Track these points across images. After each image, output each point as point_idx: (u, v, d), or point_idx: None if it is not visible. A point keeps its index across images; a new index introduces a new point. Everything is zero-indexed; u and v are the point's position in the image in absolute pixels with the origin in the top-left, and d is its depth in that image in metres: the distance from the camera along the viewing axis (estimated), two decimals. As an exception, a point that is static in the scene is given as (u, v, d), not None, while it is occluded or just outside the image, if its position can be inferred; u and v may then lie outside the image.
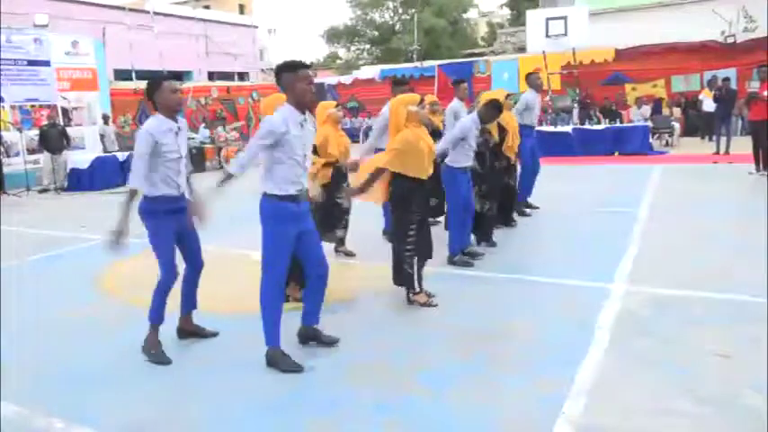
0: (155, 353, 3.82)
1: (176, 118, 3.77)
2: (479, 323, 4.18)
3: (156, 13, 22.22)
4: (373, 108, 21.05)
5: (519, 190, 7.22)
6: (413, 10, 38.15)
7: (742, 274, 4.88)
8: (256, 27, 30.20)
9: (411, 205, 4.40)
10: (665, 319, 4.05)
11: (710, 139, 14.97)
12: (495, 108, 5.49)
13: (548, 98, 16.94)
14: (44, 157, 13.31)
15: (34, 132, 13.62)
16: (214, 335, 4.17)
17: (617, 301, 4.43)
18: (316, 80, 25.45)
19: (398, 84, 6.23)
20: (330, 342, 3.88)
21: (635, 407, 2.95)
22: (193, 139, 16.52)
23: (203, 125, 17.51)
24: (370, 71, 23.73)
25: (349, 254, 5.96)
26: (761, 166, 9.82)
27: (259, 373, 3.57)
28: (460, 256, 5.50)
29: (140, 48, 20.39)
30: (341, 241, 5.96)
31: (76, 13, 19.76)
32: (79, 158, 13.52)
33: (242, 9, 36.41)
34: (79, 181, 13.17)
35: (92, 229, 8.30)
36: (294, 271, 4.74)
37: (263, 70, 32.07)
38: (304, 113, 3.48)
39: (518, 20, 36.96)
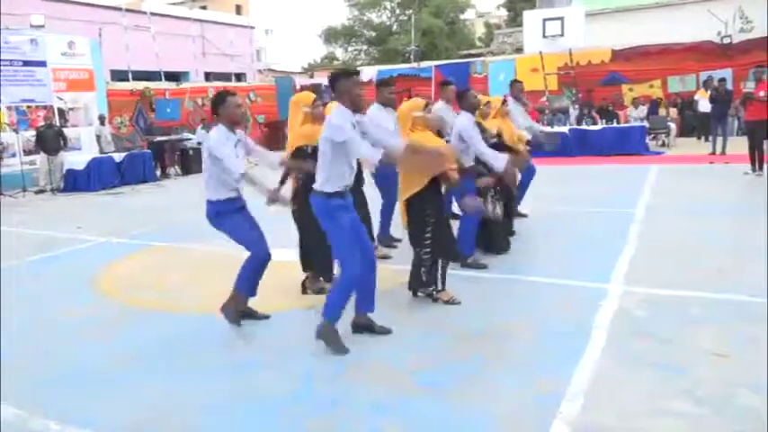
0: (234, 316, 4.24)
1: (235, 130, 4.09)
2: (477, 323, 4.19)
3: (152, 14, 22.15)
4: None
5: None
6: (410, 11, 38.18)
7: (739, 274, 4.90)
8: (253, 28, 30.14)
9: (425, 209, 4.43)
10: (662, 319, 4.06)
11: (706, 140, 15.03)
12: (468, 94, 5.50)
13: (544, 98, 16.96)
14: (41, 158, 13.30)
15: (31, 133, 13.60)
16: (266, 317, 4.40)
17: (614, 301, 4.44)
18: (313, 81, 25.13)
19: (384, 84, 6.10)
20: (383, 332, 4.00)
21: (632, 407, 2.96)
22: (190, 140, 16.49)
23: (201, 126, 17.47)
24: (367, 72, 23.70)
25: (385, 257, 5.91)
26: (756, 166, 9.86)
27: (258, 373, 3.58)
28: (473, 258, 5.49)
29: (137, 48, 20.35)
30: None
31: (72, 13, 19.70)
32: (75, 159, 13.50)
33: (239, 10, 36.37)
34: (75, 182, 13.17)
35: (88, 230, 8.30)
36: (313, 263, 4.84)
37: (260, 71, 32.04)
38: (355, 115, 3.69)
39: (515, 20, 37.02)
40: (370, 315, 4.04)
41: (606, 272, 5.11)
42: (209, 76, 25.58)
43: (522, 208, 7.33)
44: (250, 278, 4.21)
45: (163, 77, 20.31)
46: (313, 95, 4.90)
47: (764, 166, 9.80)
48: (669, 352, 3.56)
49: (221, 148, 3.93)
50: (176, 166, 15.88)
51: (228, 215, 4.12)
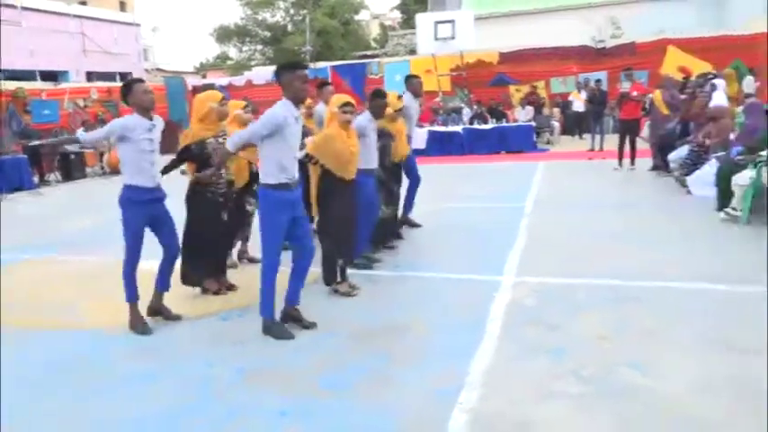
0: (140, 328, 4.17)
1: (150, 116, 4.14)
2: (377, 321, 4.23)
3: (24, 8, 20.49)
4: (266, 109, 20.58)
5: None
6: (304, 11, 37.91)
7: (615, 260, 5.29)
8: (138, 25, 28.72)
9: (333, 203, 4.53)
10: (551, 306, 4.31)
11: (581, 137, 16.22)
12: (378, 97, 5.42)
13: (438, 99, 17.44)
14: None
15: None
16: (177, 318, 4.42)
17: (507, 292, 4.65)
18: (205, 81, 24.21)
19: (323, 85, 6.49)
20: (309, 326, 4.09)
21: (524, 392, 3.11)
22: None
23: (82, 128, 16.33)
24: (263, 72, 23.27)
25: (253, 260, 5.80)
26: (630, 161, 10.64)
27: (152, 386, 3.41)
28: (361, 258, 5.50)
29: (8, 45, 18.72)
30: (244, 244, 5.91)
31: (-71, 5, 17.84)
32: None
33: (123, 6, 34.42)
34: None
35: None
36: (210, 263, 4.88)
37: (147, 71, 30.54)
38: (298, 108, 3.86)
39: (408, 22, 37.81)
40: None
41: (499, 264, 5.34)
42: (91, 76, 24.04)
43: (414, 217, 7.03)
44: (128, 283, 4.21)
45: (38, 77, 18.83)
46: (221, 94, 4.96)
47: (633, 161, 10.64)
48: (557, 337, 3.78)
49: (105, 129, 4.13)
50: (56, 172, 14.79)
51: (134, 207, 4.11)
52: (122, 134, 4.02)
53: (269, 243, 3.88)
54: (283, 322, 4.06)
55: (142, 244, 4.18)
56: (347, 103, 4.58)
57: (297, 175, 3.93)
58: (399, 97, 6.30)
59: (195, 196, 4.75)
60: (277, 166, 3.79)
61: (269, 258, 3.88)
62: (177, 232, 4.43)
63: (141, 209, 4.12)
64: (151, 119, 4.15)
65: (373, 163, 5.30)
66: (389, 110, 5.71)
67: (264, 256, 3.91)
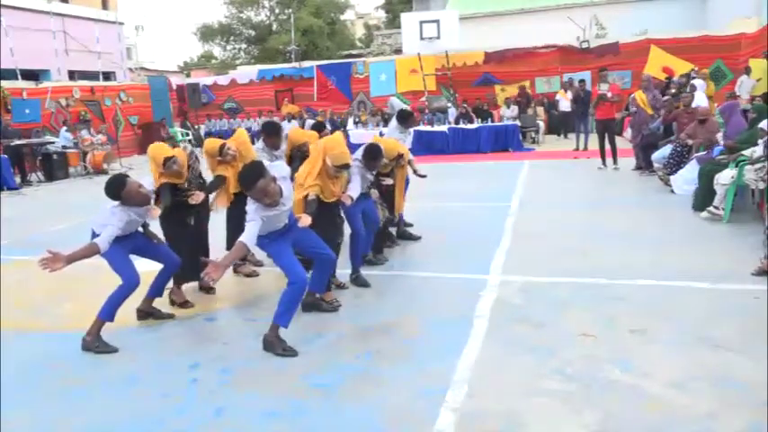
0: (98, 345, 3.97)
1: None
2: (365, 321, 4.25)
3: (4, 6, 20.19)
4: (251, 109, 20.54)
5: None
6: (289, 9, 37.78)
7: (600, 259, 5.35)
8: (122, 24, 28.45)
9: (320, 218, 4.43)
10: (536, 305, 4.34)
11: (566, 137, 16.34)
12: (372, 158, 4.98)
13: (424, 99, 17.49)
14: None
15: None
16: (171, 316, 4.47)
17: (493, 290, 4.68)
18: (189, 80, 23.79)
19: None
20: (332, 309, 4.45)
21: (510, 389, 3.14)
22: (53, 143, 15.22)
23: (65, 128, 16.17)
24: (247, 71, 23.15)
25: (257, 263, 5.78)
26: (613, 160, 10.73)
27: (136, 389, 3.40)
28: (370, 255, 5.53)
29: (-14, 43, 18.46)
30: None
31: None
32: None
33: (105, 4, 34.04)
34: None
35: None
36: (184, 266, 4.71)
37: (131, 69, 30.28)
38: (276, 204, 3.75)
39: (393, 22, 37.86)
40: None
41: (485, 263, 5.37)
42: (73, 75, 23.76)
43: (412, 231, 6.73)
44: (115, 304, 4.04)
45: (19, 76, 18.57)
46: (165, 152, 4.58)
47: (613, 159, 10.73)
48: (542, 335, 3.81)
49: (117, 221, 3.94)
50: (38, 172, 14.60)
51: (112, 245, 3.97)
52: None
53: (284, 263, 3.89)
54: (304, 311, 4.35)
55: (136, 271, 4.05)
56: (345, 166, 4.40)
57: (285, 222, 3.95)
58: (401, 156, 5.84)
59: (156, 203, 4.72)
60: (265, 232, 3.83)
61: (293, 276, 3.81)
62: (167, 248, 4.40)
63: (117, 246, 3.96)
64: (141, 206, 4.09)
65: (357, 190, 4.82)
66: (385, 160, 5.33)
67: (288, 275, 3.85)
